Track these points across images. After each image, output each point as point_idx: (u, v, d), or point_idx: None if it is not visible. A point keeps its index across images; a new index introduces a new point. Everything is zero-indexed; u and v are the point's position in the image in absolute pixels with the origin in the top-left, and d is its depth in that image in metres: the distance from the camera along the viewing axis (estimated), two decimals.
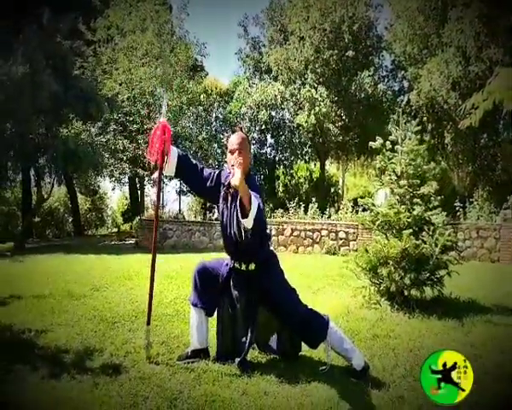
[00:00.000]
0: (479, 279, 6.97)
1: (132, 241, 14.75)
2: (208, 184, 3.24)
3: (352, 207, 13.86)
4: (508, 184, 18.69)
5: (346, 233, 11.70)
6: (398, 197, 4.71)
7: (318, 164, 23.00)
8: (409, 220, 4.52)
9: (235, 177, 2.62)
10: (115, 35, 17.49)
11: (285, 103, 18.76)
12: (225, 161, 19.53)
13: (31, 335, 3.77)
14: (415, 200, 4.71)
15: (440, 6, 16.12)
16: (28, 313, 4.52)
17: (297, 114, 18.25)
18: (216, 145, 20.18)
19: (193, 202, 22.54)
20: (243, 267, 3.11)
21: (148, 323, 3.26)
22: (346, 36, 17.27)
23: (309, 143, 20.28)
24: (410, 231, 4.37)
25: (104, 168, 17.93)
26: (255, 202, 2.71)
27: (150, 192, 21.73)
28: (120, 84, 17.02)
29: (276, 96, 18.22)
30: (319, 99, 17.57)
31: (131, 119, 17.36)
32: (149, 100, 17.47)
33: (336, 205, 19.86)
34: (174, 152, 3.23)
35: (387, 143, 4.86)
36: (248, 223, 2.70)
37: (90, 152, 14.57)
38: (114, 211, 27.34)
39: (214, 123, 20.73)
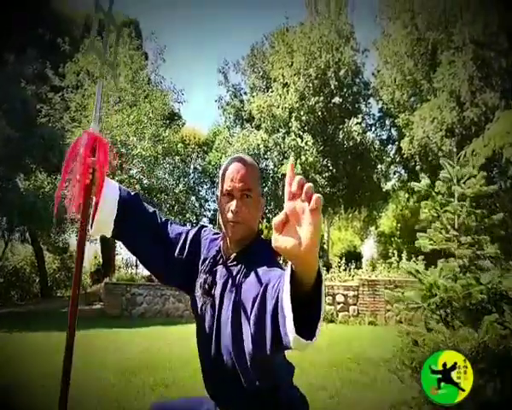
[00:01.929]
0: None
1: (100, 305, 12.99)
2: (177, 253, 1.66)
3: (346, 264, 12.45)
4: (507, 237, 17.57)
5: (345, 296, 10.12)
6: (460, 261, 3.19)
7: None
8: (483, 296, 2.99)
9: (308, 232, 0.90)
10: (85, 81, 16.32)
11: (268, 153, 17.55)
12: (204, 215, 17.86)
13: None
14: (484, 264, 3.21)
15: (430, 50, 15.42)
16: None
17: (281, 164, 17.03)
18: (194, 198, 18.77)
19: None
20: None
21: None
22: (332, 82, 16.38)
23: None
24: (496, 316, 2.83)
25: (71, 224, 16.28)
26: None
27: (121, 250, 19.96)
28: None
29: (258, 145, 17.00)
30: (305, 148, 16.47)
31: None
32: (121, 150, 16.06)
33: (322, 260, 18.41)
34: (112, 190, 1.67)
35: (439, 183, 3.40)
36: (302, 345, 1.03)
37: (52, 207, 12.90)
38: (86, 270, 25.39)
39: (192, 174, 19.40)
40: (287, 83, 16.89)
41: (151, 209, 1.75)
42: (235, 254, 1.50)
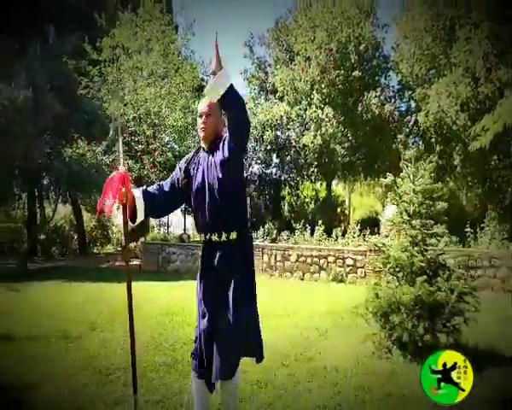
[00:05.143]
0: (496, 317, 6.56)
1: (136, 262, 14.53)
2: (177, 186, 2.85)
3: (360, 230, 13.56)
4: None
5: (354, 260, 11.36)
6: (410, 239, 4.43)
7: (324, 184, 22.73)
8: (422, 264, 4.24)
9: None
10: (121, 55, 17.47)
11: (291, 124, 18.57)
12: None
13: (21, 393, 3.52)
14: (428, 241, 4.44)
15: (448, 26, 15.97)
16: (20, 361, 4.27)
17: (303, 135, 18.04)
18: None
19: None
20: (224, 238, 2.59)
21: (135, 391, 2.84)
22: (353, 56, 17.12)
23: (315, 163, 19.99)
24: (425, 277, 4.09)
25: None
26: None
27: None
28: (126, 105, 16.94)
29: (281, 116, 18.05)
30: (325, 120, 17.38)
31: (137, 139, 17.25)
32: (155, 120, 17.37)
33: (343, 225, 19.52)
34: (139, 200, 2.80)
35: (399, 180, 4.60)
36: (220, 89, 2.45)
37: (94, 174, 14.37)
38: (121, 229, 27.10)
39: None
40: (309, 57, 17.67)
41: (155, 186, 2.92)
42: (208, 145, 2.74)
